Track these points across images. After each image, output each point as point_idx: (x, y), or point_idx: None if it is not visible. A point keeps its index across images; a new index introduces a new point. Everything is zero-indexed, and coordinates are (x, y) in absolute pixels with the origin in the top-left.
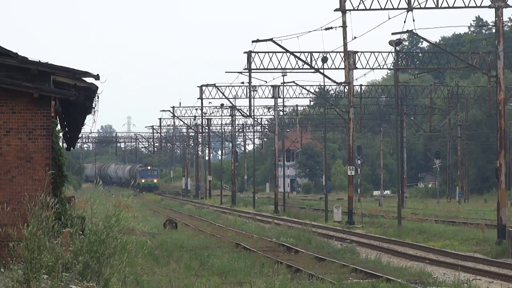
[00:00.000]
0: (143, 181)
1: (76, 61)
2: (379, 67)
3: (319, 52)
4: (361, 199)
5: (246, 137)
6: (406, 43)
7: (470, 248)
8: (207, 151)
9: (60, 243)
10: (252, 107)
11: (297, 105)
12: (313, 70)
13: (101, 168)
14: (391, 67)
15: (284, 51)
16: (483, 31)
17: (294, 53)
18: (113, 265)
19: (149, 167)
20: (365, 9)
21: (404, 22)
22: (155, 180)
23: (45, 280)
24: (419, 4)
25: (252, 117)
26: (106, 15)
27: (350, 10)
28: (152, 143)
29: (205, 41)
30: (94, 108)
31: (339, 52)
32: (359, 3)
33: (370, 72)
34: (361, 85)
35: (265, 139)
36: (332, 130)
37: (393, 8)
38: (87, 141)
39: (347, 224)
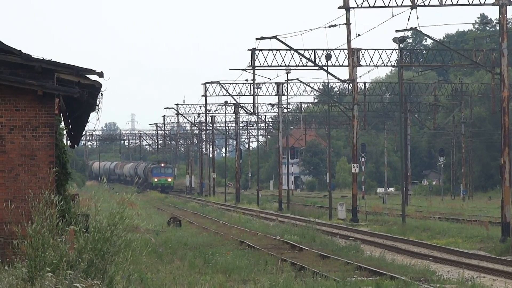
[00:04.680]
0: (155, 180)
1: (80, 59)
2: (383, 65)
3: (323, 49)
4: (365, 197)
5: (250, 134)
6: (410, 41)
7: (474, 246)
8: (211, 149)
9: (65, 240)
10: (256, 105)
11: (301, 103)
12: (317, 68)
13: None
14: (395, 65)
15: (288, 48)
16: (487, 28)
17: (298, 51)
18: (118, 263)
19: (162, 164)
20: (369, 7)
21: (408, 19)
22: (169, 179)
23: (50, 278)
24: (423, 1)
25: (256, 114)
26: (109, 13)
27: (354, 7)
28: (156, 141)
29: (209, 38)
30: (98, 105)
31: (343, 49)
32: (363, 1)
33: (374, 69)
34: (365, 83)
35: (269, 137)
36: (336, 128)
37: (397, 6)
38: (91, 138)
39: (351, 222)
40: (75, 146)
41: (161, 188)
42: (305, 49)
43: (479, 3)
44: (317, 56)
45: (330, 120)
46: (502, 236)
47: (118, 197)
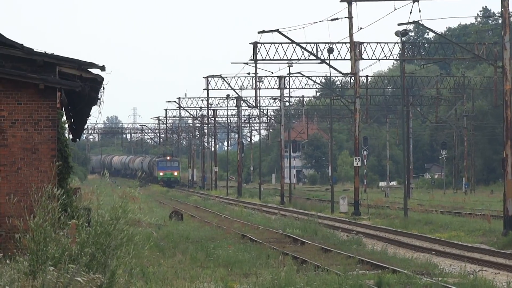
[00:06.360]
0: (161, 174)
1: (82, 53)
2: (385, 58)
3: (325, 43)
4: (367, 190)
5: (252, 128)
6: (412, 34)
7: (476, 239)
8: (213, 142)
9: (66, 234)
10: (258, 98)
11: (303, 96)
12: (319, 61)
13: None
14: (397, 58)
15: (290, 42)
16: (490, 21)
17: (300, 44)
18: (119, 256)
19: (168, 158)
20: (371, 0)
21: (410, 12)
22: (175, 173)
23: (51, 271)
24: None
25: (258, 108)
26: (111, 6)
27: (356, 0)
28: (158, 134)
29: (211, 32)
30: (99, 99)
31: (345, 43)
32: None
33: (376, 63)
34: (367, 76)
35: (271, 130)
36: (339, 121)
37: None
38: (92, 132)
39: (353, 215)
40: (77, 139)
41: (166, 183)
42: (307, 43)
43: None
44: (319, 50)
45: (332, 113)
46: (504, 229)
47: (120, 191)
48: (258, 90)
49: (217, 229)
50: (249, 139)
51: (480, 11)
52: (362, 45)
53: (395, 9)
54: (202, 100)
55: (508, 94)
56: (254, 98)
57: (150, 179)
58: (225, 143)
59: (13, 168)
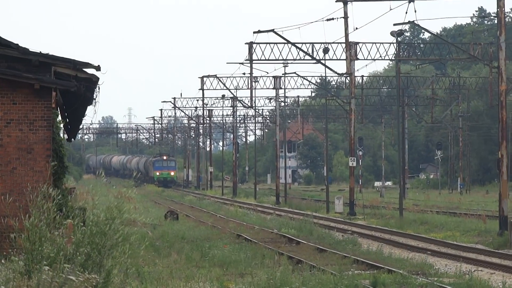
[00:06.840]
0: (157, 173)
1: (77, 53)
2: (380, 58)
3: (321, 43)
4: (362, 190)
5: (248, 128)
6: (408, 34)
7: (472, 239)
8: (208, 142)
9: (62, 234)
10: (254, 98)
11: (298, 96)
12: (314, 61)
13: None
14: (393, 58)
15: (285, 42)
16: (485, 22)
17: (296, 44)
18: (115, 256)
19: (164, 157)
20: (367, 0)
21: (406, 13)
22: (172, 173)
23: (47, 271)
24: None
25: (254, 108)
26: (106, 6)
27: (351, 0)
28: (153, 134)
29: (207, 32)
30: (95, 99)
31: (340, 43)
32: None
33: (372, 63)
34: (362, 76)
35: (266, 130)
36: (334, 121)
37: None
38: (88, 132)
39: (348, 215)
40: (72, 139)
41: (163, 183)
42: (302, 43)
43: None
44: (314, 50)
45: (327, 113)
46: (500, 229)
47: (115, 191)
48: (253, 90)
49: (212, 229)
50: (244, 139)
51: (476, 11)
52: (357, 45)
53: (391, 9)
54: (198, 100)
55: (503, 95)
56: (249, 98)
57: (146, 179)
58: (221, 143)
59: (8, 168)
